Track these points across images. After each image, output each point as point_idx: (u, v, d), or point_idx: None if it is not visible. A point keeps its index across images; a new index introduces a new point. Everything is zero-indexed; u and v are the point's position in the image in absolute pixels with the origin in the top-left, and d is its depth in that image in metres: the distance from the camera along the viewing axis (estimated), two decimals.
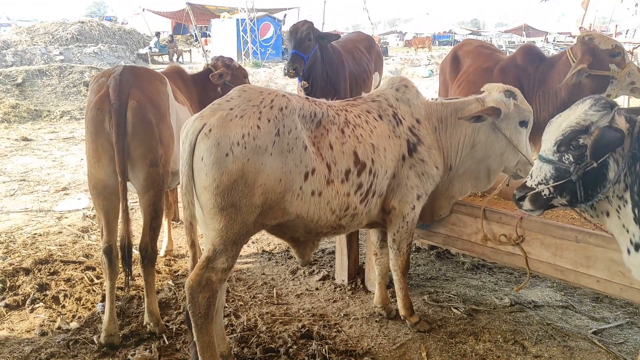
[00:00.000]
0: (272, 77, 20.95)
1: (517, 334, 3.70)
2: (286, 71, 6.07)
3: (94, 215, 6.11)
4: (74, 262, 4.73)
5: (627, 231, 2.34)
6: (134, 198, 4.48)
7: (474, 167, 3.63)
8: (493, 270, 4.76)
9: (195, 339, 2.94)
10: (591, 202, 2.42)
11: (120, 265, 3.50)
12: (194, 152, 2.81)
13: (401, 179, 3.44)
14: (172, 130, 3.64)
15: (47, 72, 15.89)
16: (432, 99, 3.68)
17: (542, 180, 2.49)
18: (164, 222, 4.98)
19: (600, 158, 2.29)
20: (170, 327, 3.74)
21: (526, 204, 2.57)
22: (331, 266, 4.76)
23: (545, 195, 2.49)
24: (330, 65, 6.56)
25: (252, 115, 2.87)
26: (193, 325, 2.91)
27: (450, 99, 3.71)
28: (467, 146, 3.58)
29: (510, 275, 4.65)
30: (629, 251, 2.37)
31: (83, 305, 4.03)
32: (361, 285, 4.39)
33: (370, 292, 4.30)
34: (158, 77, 3.75)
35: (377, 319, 3.91)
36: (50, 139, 10.88)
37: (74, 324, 3.76)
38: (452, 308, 4.05)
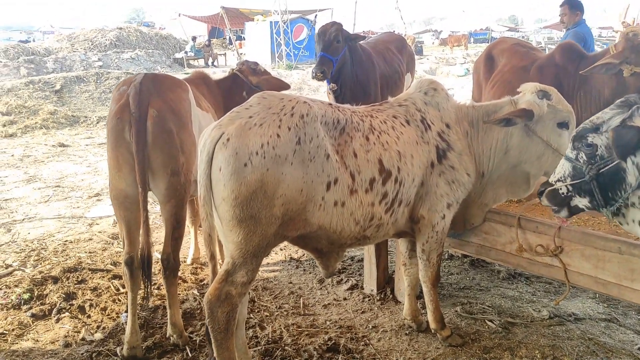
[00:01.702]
0: (305, 79, 20.89)
1: (556, 350, 3.49)
2: (314, 74, 5.96)
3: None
4: (102, 270, 4.72)
5: None
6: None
7: (509, 172, 3.43)
8: (530, 279, 4.54)
9: (215, 354, 2.85)
10: (613, 207, 2.27)
11: (141, 277, 3.44)
12: (212, 162, 2.72)
13: (430, 187, 3.28)
14: (193, 138, 3.56)
15: (84, 79, 16.23)
16: (464, 102, 3.49)
17: (560, 177, 2.44)
18: (191, 230, 4.94)
19: (622, 157, 2.17)
20: (194, 338, 3.67)
21: (544, 200, 2.53)
22: (360, 275, 4.62)
23: (563, 193, 2.43)
24: (360, 66, 6.42)
25: (272, 124, 2.77)
26: (213, 340, 2.82)
27: (481, 103, 3.52)
28: (500, 151, 3.39)
29: (549, 285, 4.42)
30: None
31: (108, 315, 4.00)
32: (390, 296, 4.24)
33: (400, 302, 4.14)
34: (179, 84, 3.69)
35: (407, 332, 3.75)
36: (86, 145, 11.05)
37: (98, 335, 3.73)
38: (486, 321, 3.85)
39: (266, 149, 2.70)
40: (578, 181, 2.35)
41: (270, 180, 2.70)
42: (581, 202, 2.38)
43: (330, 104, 3.12)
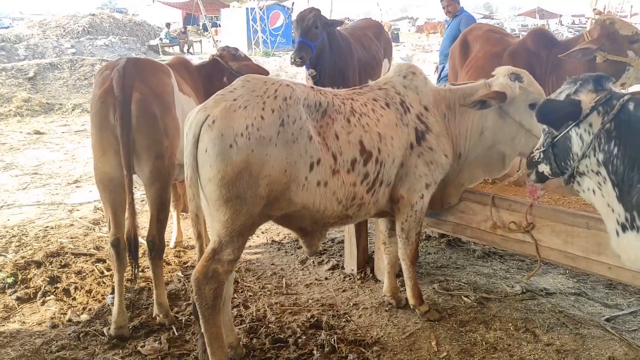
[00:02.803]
0: (282, 66, 20.84)
1: (528, 322, 3.66)
2: (292, 60, 6.02)
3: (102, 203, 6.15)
4: (85, 255, 4.76)
5: (613, 211, 2.29)
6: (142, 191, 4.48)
7: (485, 153, 3.57)
8: (504, 257, 4.71)
9: (202, 330, 2.94)
10: (566, 175, 2.46)
11: (127, 258, 3.50)
12: (198, 143, 2.79)
13: (409, 168, 3.40)
14: (177, 122, 3.62)
15: (58, 66, 15.99)
16: (442, 85, 3.61)
17: (538, 147, 2.64)
18: (174, 214, 5.00)
19: (546, 125, 2.49)
20: (180, 318, 3.75)
21: (526, 165, 2.79)
22: (340, 255, 4.74)
23: (534, 158, 2.63)
24: (339, 52, 6.50)
25: (256, 106, 2.85)
26: (200, 316, 2.91)
27: (458, 84, 3.64)
28: (476, 133, 3.52)
29: (522, 262, 4.60)
30: (617, 233, 2.30)
31: (93, 297, 4.05)
32: (370, 275, 4.36)
33: (379, 281, 4.28)
34: (162, 69, 3.73)
35: (387, 308, 3.89)
36: (63, 132, 10.94)
37: (84, 316, 3.78)
38: (462, 296, 4.01)
39: (251, 131, 2.78)
40: (544, 149, 2.55)
41: (255, 161, 2.79)
42: (545, 169, 2.59)
43: (312, 87, 3.21)
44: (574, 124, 2.34)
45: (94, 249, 4.93)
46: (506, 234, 3.47)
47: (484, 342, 3.46)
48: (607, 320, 3.67)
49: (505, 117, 3.44)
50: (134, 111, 3.30)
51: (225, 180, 2.76)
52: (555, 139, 2.43)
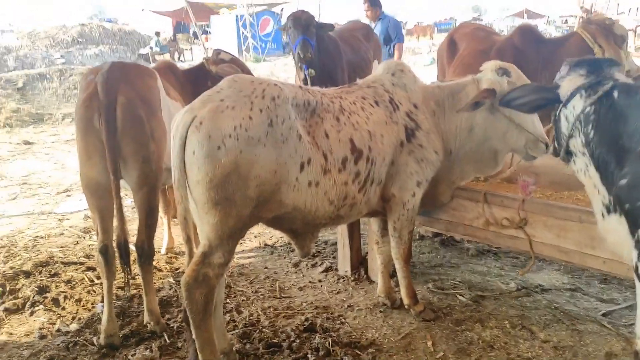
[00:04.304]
0: (274, 71, 20.87)
1: (524, 319, 3.62)
2: (302, 55, 5.94)
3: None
4: (75, 264, 4.69)
5: (598, 192, 2.28)
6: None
7: (476, 150, 3.53)
8: (498, 255, 4.68)
9: (194, 336, 2.88)
10: (561, 153, 2.49)
11: (118, 265, 3.44)
12: (185, 145, 2.75)
13: (400, 166, 3.36)
14: (164, 126, 3.57)
15: (47, 76, 15.89)
16: (430, 83, 3.58)
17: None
18: (164, 220, 4.94)
19: (511, 107, 2.67)
20: (172, 325, 3.69)
21: None
22: (334, 257, 4.69)
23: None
24: (327, 54, 6.47)
25: (244, 106, 2.80)
26: (191, 322, 2.85)
27: (446, 81, 3.62)
28: (465, 129, 3.49)
29: (516, 259, 4.57)
30: (602, 215, 2.28)
31: (83, 306, 3.99)
32: (364, 276, 4.32)
33: (374, 282, 4.23)
34: (148, 72, 3.69)
35: (382, 309, 3.85)
36: (52, 142, 10.87)
37: (73, 326, 3.72)
38: (457, 295, 3.97)
39: (239, 131, 2.73)
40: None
41: (244, 162, 2.74)
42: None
43: (300, 87, 3.17)
44: (562, 105, 2.39)
45: (84, 257, 4.86)
46: (499, 231, 3.44)
47: (480, 341, 3.42)
48: (604, 315, 3.64)
49: (495, 112, 3.40)
50: (119, 115, 3.25)
51: (213, 183, 2.71)
52: (555, 118, 2.47)
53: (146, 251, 3.49)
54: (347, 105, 3.25)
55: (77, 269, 4.55)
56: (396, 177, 3.38)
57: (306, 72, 6.12)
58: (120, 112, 3.24)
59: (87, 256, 4.87)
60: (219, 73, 4.55)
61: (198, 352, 2.89)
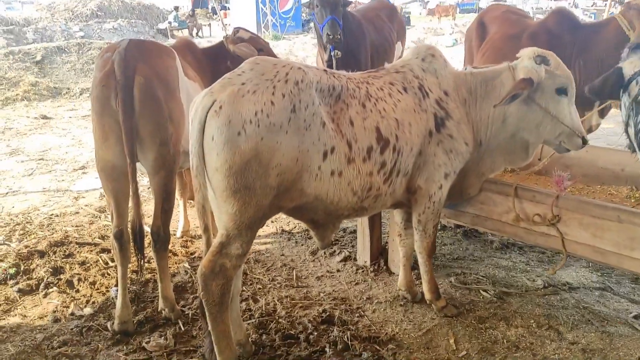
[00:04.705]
0: (292, 49, 20.59)
1: (551, 319, 3.48)
2: (331, 36, 5.74)
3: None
4: (90, 244, 4.61)
5: None
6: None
7: (507, 141, 3.36)
8: (524, 249, 4.52)
9: (210, 328, 2.79)
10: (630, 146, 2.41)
11: (132, 250, 3.35)
12: (204, 130, 2.62)
13: (428, 157, 3.20)
14: (182, 107, 3.44)
15: (66, 49, 15.79)
16: (462, 68, 3.39)
17: None
18: (180, 202, 4.85)
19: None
20: (187, 312, 3.61)
21: None
22: (352, 246, 4.56)
23: None
24: (351, 34, 6.27)
25: (266, 91, 2.66)
26: (207, 314, 2.76)
27: (479, 67, 3.43)
28: (498, 120, 3.31)
29: (543, 254, 4.41)
30: None
31: (97, 289, 3.91)
32: (384, 267, 4.19)
33: (393, 273, 4.11)
34: (166, 51, 3.54)
35: (402, 303, 3.72)
36: (70, 117, 10.81)
37: (87, 310, 3.65)
38: (480, 291, 3.83)
39: (260, 117, 2.60)
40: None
41: (265, 149, 2.61)
42: None
43: (325, 70, 3.01)
44: (622, 89, 2.20)
45: (98, 238, 4.78)
46: (530, 227, 3.28)
47: (505, 340, 3.29)
48: (635, 317, 3.48)
49: (531, 103, 3.22)
50: (136, 95, 3.12)
51: (233, 170, 2.59)
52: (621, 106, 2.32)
53: (162, 237, 3.39)
54: (374, 91, 3.09)
55: (91, 250, 4.48)
56: (423, 168, 3.22)
57: (332, 53, 5.92)
58: (137, 93, 3.11)
59: (102, 237, 4.80)
60: (236, 52, 4.40)
61: (214, 344, 2.80)
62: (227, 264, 2.72)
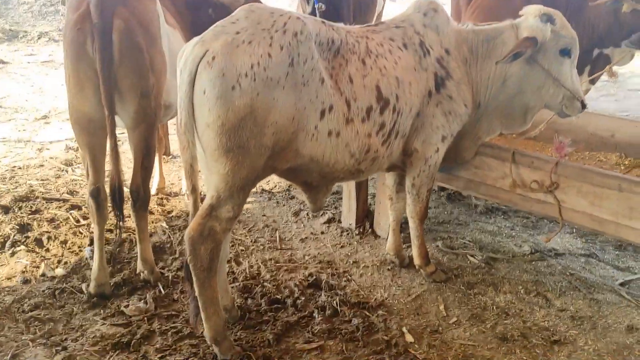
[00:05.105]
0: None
1: (539, 285, 3.46)
2: None
3: (78, 147, 5.67)
4: (58, 200, 4.34)
5: None
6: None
7: (506, 104, 3.23)
8: (508, 214, 4.48)
9: (196, 294, 2.64)
10: None
11: (110, 209, 3.13)
12: (195, 83, 2.40)
13: (426, 118, 3.06)
14: (164, 56, 3.18)
15: None
16: (464, 25, 3.22)
17: None
18: (155, 157, 4.58)
19: None
20: (166, 274, 3.43)
21: None
22: (336, 208, 4.44)
23: None
24: None
25: (262, 41, 2.45)
26: (194, 279, 2.60)
27: (482, 25, 3.26)
28: (498, 80, 3.18)
29: (527, 219, 4.37)
30: None
31: (69, 249, 3.69)
32: (370, 230, 4.09)
33: (379, 237, 4.01)
34: None
35: (389, 267, 3.64)
36: (28, 62, 10.18)
37: (59, 271, 3.43)
38: (468, 256, 3.78)
39: (256, 71, 2.39)
40: None
41: (261, 106, 2.42)
42: None
43: (323, 22, 2.80)
44: None
45: (67, 193, 4.51)
46: (526, 193, 3.20)
47: (494, 307, 3.25)
48: (622, 285, 3.48)
49: (533, 63, 3.09)
50: (116, 41, 2.85)
51: (226, 127, 2.39)
52: None
53: (142, 196, 3.18)
54: (374, 46, 2.90)
55: (60, 207, 4.22)
56: (421, 130, 3.08)
57: (316, 6, 5.62)
58: (117, 39, 2.84)
59: (71, 192, 4.53)
60: (221, 0, 4.10)
61: (201, 311, 2.66)
62: (217, 227, 2.55)
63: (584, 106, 3.17)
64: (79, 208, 4.20)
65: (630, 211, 2.83)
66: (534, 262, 3.73)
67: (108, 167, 3.11)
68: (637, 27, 4.25)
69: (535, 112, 3.28)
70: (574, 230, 4.19)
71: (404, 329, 3.03)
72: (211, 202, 2.54)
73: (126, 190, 3.21)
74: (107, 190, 3.08)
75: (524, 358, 2.86)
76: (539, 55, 3.07)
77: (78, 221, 4.01)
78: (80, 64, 2.86)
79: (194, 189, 2.58)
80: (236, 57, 2.38)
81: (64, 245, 3.71)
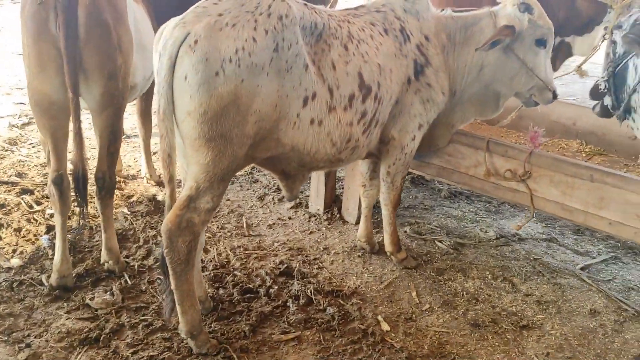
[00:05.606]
0: None
1: (505, 270, 3.54)
2: None
3: (23, 124, 5.34)
4: (6, 183, 4.06)
5: None
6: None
7: (481, 92, 3.25)
8: (471, 198, 4.55)
9: (173, 287, 2.54)
10: (620, 110, 2.37)
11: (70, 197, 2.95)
12: (175, 68, 2.26)
13: (404, 106, 3.03)
14: (131, 35, 2.98)
15: None
16: (443, 11, 3.18)
17: (602, 76, 2.54)
18: None
19: None
20: (132, 264, 3.28)
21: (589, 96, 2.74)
22: (301, 192, 4.37)
23: (600, 89, 2.53)
24: None
25: (247, 25, 2.33)
26: (171, 272, 2.50)
27: (460, 11, 3.23)
28: (475, 69, 3.18)
29: (489, 204, 4.46)
30: None
31: (24, 237, 3.45)
32: (337, 215, 4.05)
33: (347, 222, 3.99)
34: None
35: (359, 254, 3.63)
36: None
37: (15, 261, 3.21)
38: (436, 241, 3.82)
39: (241, 56, 2.28)
40: (606, 79, 2.38)
41: (245, 93, 2.32)
42: (609, 101, 2.43)
43: (305, 4, 2.69)
44: (634, 53, 2.09)
45: (15, 176, 4.22)
46: (498, 182, 3.24)
47: (464, 293, 3.30)
48: (582, 269, 3.61)
49: (509, 53, 3.10)
50: (81, 18, 2.64)
51: (208, 116, 2.28)
52: (617, 68, 2.24)
53: (107, 183, 3.01)
54: (355, 31, 2.82)
55: (9, 191, 3.94)
56: (398, 117, 3.05)
57: None
58: (82, 15, 2.63)
59: (20, 175, 4.24)
60: None
61: (177, 304, 2.56)
62: (195, 219, 2.44)
63: (555, 96, 3.22)
64: (31, 192, 3.94)
65: (600, 201, 2.92)
66: (499, 247, 3.81)
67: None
68: (595, 16, 4.32)
69: (506, 99, 3.31)
70: (535, 215, 4.30)
71: (379, 317, 3.04)
72: (190, 194, 2.43)
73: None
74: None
75: (496, 344, 2.93)
76: (515, 45, 3.08)
77: (31, 207, 3.76)
78: (42, 42, 2.63)
79: (171, 179, 2.43)
80: (220, 41, 2.25)
81: (17, 233, 3.48)
